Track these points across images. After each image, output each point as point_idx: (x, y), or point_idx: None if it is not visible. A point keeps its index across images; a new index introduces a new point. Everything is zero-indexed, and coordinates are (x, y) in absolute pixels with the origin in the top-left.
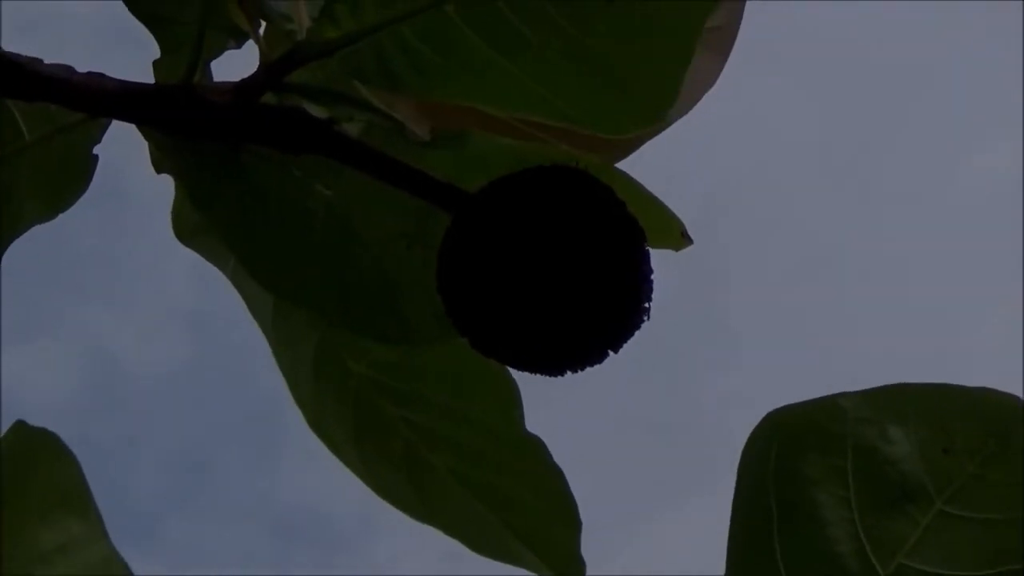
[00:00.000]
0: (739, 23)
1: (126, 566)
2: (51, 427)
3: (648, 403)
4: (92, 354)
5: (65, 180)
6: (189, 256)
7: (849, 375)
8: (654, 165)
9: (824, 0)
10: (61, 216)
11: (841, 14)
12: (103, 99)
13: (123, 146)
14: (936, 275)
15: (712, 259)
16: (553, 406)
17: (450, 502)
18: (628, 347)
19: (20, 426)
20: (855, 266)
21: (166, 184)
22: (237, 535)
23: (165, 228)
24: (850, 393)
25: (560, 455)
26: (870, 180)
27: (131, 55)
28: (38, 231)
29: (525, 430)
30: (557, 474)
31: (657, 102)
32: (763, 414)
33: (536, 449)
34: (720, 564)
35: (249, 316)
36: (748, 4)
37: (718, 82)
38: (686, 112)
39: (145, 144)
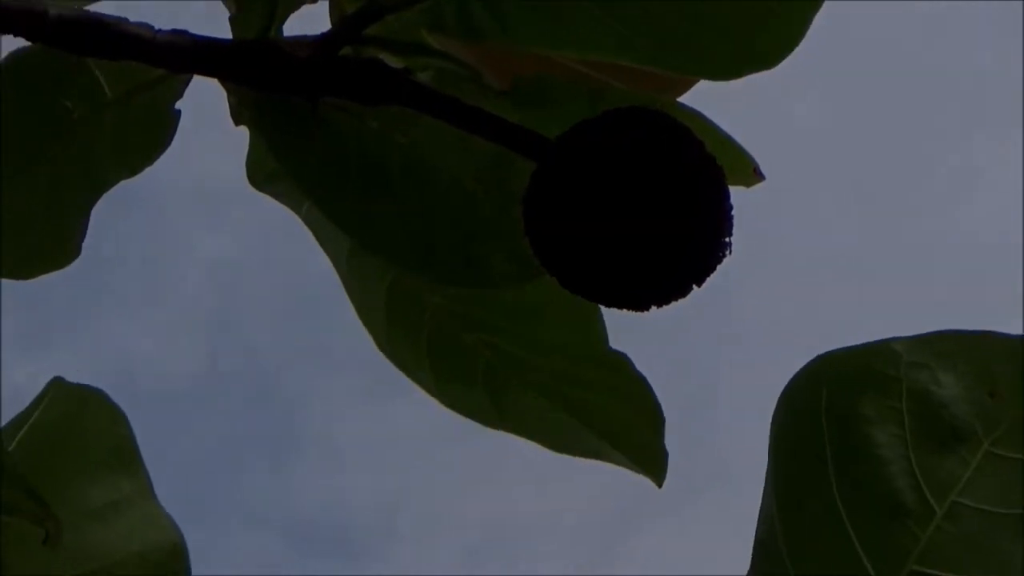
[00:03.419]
0: None
1: (173, 523)
2: None
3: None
4: (108, 361)
5: (147, 136)
6: (205, 263)
7: None
8: None
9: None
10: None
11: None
12: (185, 56)
13: None
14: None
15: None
16: None
17: (531, 412)
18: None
19: (58, 384)
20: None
21: (185, 188)
22: (254, 543)
23: (182, 234)
24: (902, 338)
25: None
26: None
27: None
28: None
29: (609, 348)
30: (641, 384)
31: (781, 45)
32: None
33: (620, 365)
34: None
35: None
36: None
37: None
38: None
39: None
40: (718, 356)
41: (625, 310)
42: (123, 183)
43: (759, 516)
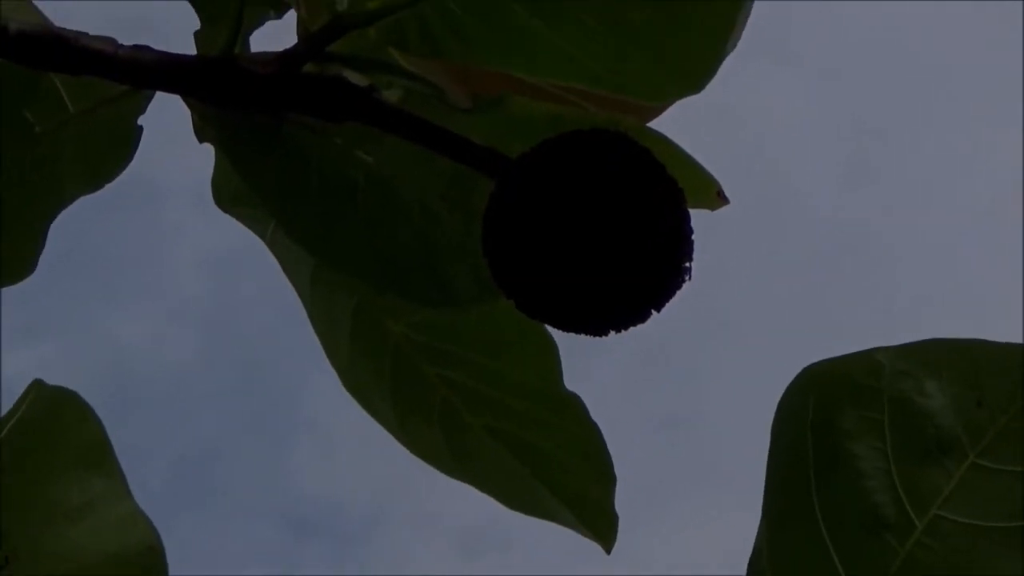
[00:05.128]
0: None
1: (149, 522)
2: None
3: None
4: (102, 353)
5: (109, 151)
6: (197, 250)
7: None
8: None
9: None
10: (67, 212)
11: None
12: (147, 72)
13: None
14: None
15: (720, 247)
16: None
17: (485, 458)
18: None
19: (39, 385)
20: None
21: (175, 177)
22: (249, 529)
23: (172, 222)
24: (886, 348)
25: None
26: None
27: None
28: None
29: (564, 388)
30: (594, 431)
31: (699, 71)
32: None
33: (574, 406)
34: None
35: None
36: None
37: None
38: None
39: (159, 134)
40: None
41: (582, 335)
42: (131, 170)
43: (757, 529)
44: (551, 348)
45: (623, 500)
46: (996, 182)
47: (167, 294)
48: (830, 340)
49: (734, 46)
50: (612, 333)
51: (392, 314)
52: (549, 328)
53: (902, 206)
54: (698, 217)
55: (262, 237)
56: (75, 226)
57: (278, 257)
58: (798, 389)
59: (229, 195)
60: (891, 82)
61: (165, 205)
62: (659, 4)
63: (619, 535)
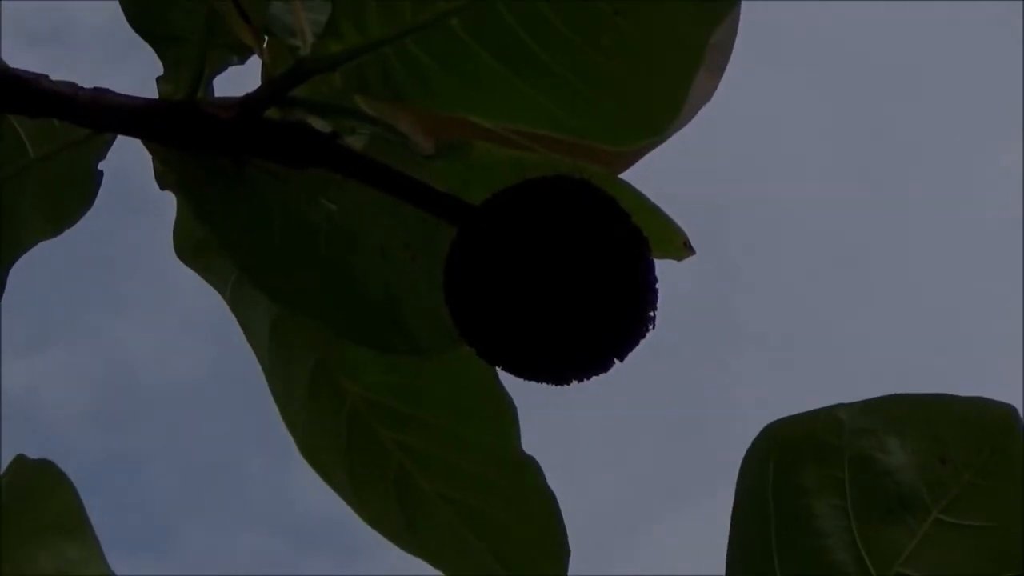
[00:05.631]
0: (733, 41)
1: None
2: (67, 438)
3: (655, 402)
4: (108, 363)
5: (70, 196)
6: None
7: (851, 380)
8: (665, 171)
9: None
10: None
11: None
12: (108, 115)
13: (138, 152)
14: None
15: (721, 263)
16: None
17: (438, 530)
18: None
19: (20, 460)
20: (863, 269)
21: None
22: (253, 542)
23: None
24: (847, 404)
25: (570, 456)
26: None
27: (141, 59)
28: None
29: (521, 451)
30: (549, 499)
31: (661, 115)
32: (763, 420)
33: (530, 471)
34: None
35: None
36: (762, 4)
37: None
38: (683, 126)
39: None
40: None
41: (543, 383)
42: (137, 183)
43: None
44: (509, 410)
45: (644, 497)
46: (995, 187)
47: (174, 305)
48: (830, 342)
49: (706, 100)
50: (574, 382)
51: (349, 374)
52: (507, 387)
53: (899, 211)
54: (706, 217)
55: (222, 294)
56: (78, 233)
57: (237, 316)
58: (760, 447)
59: (191, 247)
60: (889, 83)
61: (171, 213)
62: (626, 51)
63: (625, 535)
